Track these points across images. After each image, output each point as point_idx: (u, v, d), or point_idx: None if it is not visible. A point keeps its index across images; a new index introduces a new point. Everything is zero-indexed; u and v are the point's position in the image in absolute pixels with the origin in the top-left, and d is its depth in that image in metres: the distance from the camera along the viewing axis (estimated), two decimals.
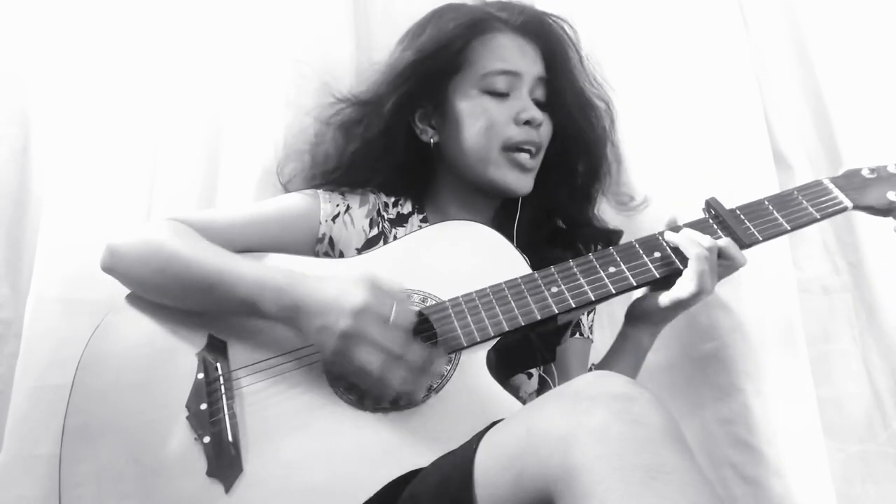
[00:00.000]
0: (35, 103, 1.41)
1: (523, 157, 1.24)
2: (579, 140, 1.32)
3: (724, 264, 1.10)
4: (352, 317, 0.93)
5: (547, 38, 1.30)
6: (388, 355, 0.93)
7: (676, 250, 1.10)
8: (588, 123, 1.33)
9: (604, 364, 1.23)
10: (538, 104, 1.26)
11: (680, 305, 1.09)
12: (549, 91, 1.29)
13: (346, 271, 1.01)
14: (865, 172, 1.18)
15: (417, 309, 0.98)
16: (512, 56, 1.26)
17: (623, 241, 1.34)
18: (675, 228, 1.13)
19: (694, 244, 1.07)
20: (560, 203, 1.35)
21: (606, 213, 1.43)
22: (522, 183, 1.26)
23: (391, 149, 1.27)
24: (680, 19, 1.53)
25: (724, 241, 1.09)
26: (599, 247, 1.32)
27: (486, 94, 1.24)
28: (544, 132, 1.27)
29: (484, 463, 0.83)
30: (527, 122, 1.23)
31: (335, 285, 0.96)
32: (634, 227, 1.40)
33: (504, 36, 1.27)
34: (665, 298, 1.09)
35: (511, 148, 1.24)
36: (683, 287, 1.07)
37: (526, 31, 1.29)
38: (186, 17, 1.43)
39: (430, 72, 1.25)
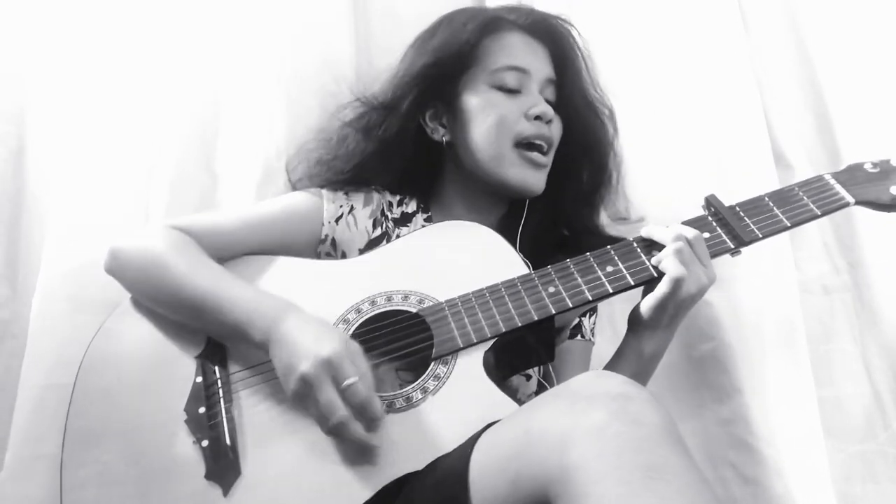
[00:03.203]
0: (32, 103, 1.41)
1: (535, 154, 1.24)
2: (586, 144, 1.33)
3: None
4: (313, 364, 0.91)
5: (556, 41, 1.32)
6: (329, 419, 0.90)
7: None
8: (594, 128, 1.34)
9: (607, 369, 1.19)
10: (549, 104, 1.27)
11: (667, 302, 1.05)
12: (559, 93, 1.30)
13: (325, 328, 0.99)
14: (868, 167, 1.16)
15: (379, 401, 0.93)
16: (521, 53, 1.27)
17: None
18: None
19: (667, 233, 1.06)
20: (565, 208, 1.35)
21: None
22: (534, 180, 1.25)
23: (402, 149, 1.28)
24: (679, 20, 1.53)
25: (684, 229, 1.07)
26: None
27: (496, 90, 1.25)
28: (555, 129, 1.28)
29: (480, 464, 0.83)
30: (538, 118, 1.23)
31: (313, 335, 0.95)
32: (631, 228, 1.40)
33: (514, 35, 1.29)
34: (650, 297, 1.06)
35: (523, 144, 1.24)
36: (663, 281, 1.04)
37: (535, 31, 1.30)
38: (186, 18, 1.44)
39: (444, 71, 1.26)
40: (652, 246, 1.09)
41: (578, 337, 1.32)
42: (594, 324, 1.36)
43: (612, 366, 1.16)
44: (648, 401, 0.78)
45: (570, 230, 1.38)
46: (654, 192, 1.48)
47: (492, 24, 1.28)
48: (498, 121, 1.23)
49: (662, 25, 1.53)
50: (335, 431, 0.91)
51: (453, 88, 1.27)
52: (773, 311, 1.42)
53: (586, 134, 1.32)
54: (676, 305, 1.06)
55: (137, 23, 1.42)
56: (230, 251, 1.15)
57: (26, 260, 1.36)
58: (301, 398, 0.93)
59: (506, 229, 1.25)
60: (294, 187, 1.34)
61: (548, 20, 1.33)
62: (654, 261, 1.07)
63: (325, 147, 1.33)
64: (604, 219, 1.40)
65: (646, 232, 1.10)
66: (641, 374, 1.14)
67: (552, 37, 1.32)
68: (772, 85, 1.57)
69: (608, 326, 1.45)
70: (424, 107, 1.29)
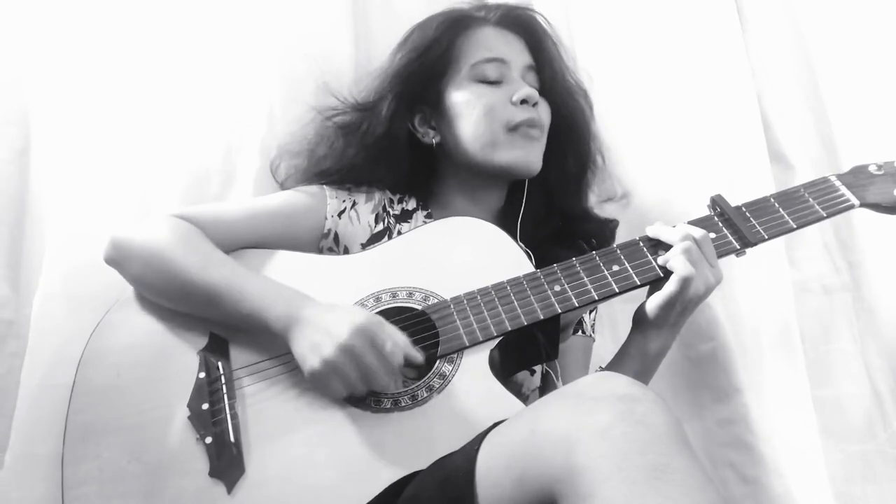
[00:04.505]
0: (35, 103, 1.40)
1: (527, 129, 1.23)
2: (569, 127, 1.33)
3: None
4: (351, 333, 0.94)
5: (528, 29, 1.33)
6: (371, 383, 0.95)
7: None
8: (575, 111, 1.34)
9: (610, 368, 1.19)
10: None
11: (675, 301, 1.05)
12: (540, 78, 1.31)
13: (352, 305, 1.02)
14: (873, 169, 1.16)
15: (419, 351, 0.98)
16: (497, 45, 1.28)
17: (620, 233, 1.36)
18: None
19: (674, 232, 1.07)
20: (555, 194, 1.35)
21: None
22: (533, 156, 1.25)
23: (393, 154, 1.28)
24: (678, 19, 1.54)
25: (692, 229, 1.07)
26: (594, 241, 1.34)
27: (478, 83, 1.25)
28: (543, 112, 1.28)
29: (486, 463, 0.84)
30: (524, 102, 1.24)
31: (339, 312, 0.98)
32: (629, 221, 1.40)
33: (486, 29, 1.30)
34: (658, 296, 1.06)
35: (514, 128, 1.23)
36: (671, 281, 1.04)
37: (506, 23, 1.32)
38: (187, 19, 1.43)
39: (422, 72, 1.27)
40: (658, 245, 1.09)
41: (580, 333, 1.32)
42: (594, 320, 1.37)
43: (616, 364, 1.16)
44: (655, 402, 0.78)
45: (563, 219, 1.38)
46: (653, 190, 1.48)
47: (462, 22, 1.30)
48: (485, 110, 1.23)
49: (660, 25, 1.54)
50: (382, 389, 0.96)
51: (436, 90, 1.28)
52: (769, 311, 1.43)
53: (569, 117, 1.33)
54: (683, 304, 1.06)
55: (138, 21, 1.41)
56: (232, 242, 1.15)
57: (28, 261, 1.36)
58: (338, 368, 0.94)
59: (505, 221, 1.26)
60: (282, 186, 1.34)
61: (516, 11, 1.34)
62: (661, 260, 1.07)
63: (311, 148, 1.33)
64: (592, 200, 1.41)
65: (652, 231, 1.10)
66: (645, 373, 1.14)
67: (524, 26, 1.33)
68: (772, 86, 1.57)
69: (608, 326, 1.45)
70: (411, 112, 1.29)
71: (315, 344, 0.95)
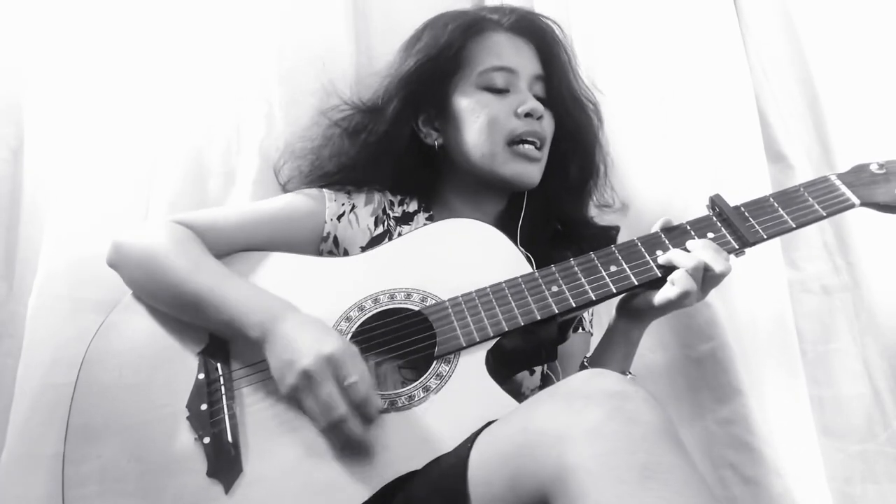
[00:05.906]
0: (31, 103, 1.41)
1: (528, 148, 1.24)
2: (575, 137, 1.34)
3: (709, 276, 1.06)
4: (315, 360, 0.93)
5: (540, 37, 1.33)
6: (327, 415, 0.92)
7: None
8: (582, 121, 1.35)
9: (596, 355, 1.22)
10: (539, 100, 1.27)
11: (671, 306, 1.06)
12: (548, 88, 1.31)
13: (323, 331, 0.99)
14: (874, 168, 1.13)
15: (381, 402, 0.96)
16: (507, 53, 1.28)
17: (622, 238, 1.36)
18: (672, 228, 1.11)
19: (688, 258, 1.05)
20: (556, 201, 1.36)
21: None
22: (529, 173, 1.26)
23: (395, 153, 1.28)
24: (676, 19, 1.54)
25: (710, 257, 1.05)
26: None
27: (484, 91, 1.26)
28: (546, 125, 1.28)
29: (478, 462, 0.84)
30: (528, 115, 1.24)
31: (313, 333, 0.97)
32: (629, 225, 1.41)
33: (498, 35, 1.30)
34: (658, 298, 1.06)
35: (515, 141, 1.24)
36: (672, 290, 1.04)
37: (519, 29, 1.32)
38: (186, 17, 1.44)
39: (430, 75, 1.27)
40: (655, 245, 1.09)
41: (580, 329, 1.33)
42: (592, 315, 1.38)
43: (603, 349, 1.20)
44: (645, 399, 0.79)
45: (562, 223, 1.39)
46: (650, 190, 1.48)
47: (475, 26, 1.29)
48: (489, 121, 1.24)
49: (660, 26, 1.54)
50: (333, 427, 0.92)
51: (443, 93, 1.28)
52: (766, 311, 1.43)
53: (575, 127, 1.33)
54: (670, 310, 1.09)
55: (137, 21, 1.42)
56: (232, 247, 1.16)
57: (24, 259, 1.37)
58: (299, 393, 0.94)
59: (505, 224, 1.26)
60: (284, 188, 1.35)
61: (530, 17, 1.34)
62: (662, 260, 1.06)
63: (316, 149, 1.34)
64: (591, 207, 1.42)
65: (664, 259, 1.07)
66: (630, 355, 1.19)
67: (536, 34, 1.33)
68: (771, 86, 1.57)
69: (606, 315, 1.45)
70: (415, 112, 1.29)
71: (285, 363, 0.95)
